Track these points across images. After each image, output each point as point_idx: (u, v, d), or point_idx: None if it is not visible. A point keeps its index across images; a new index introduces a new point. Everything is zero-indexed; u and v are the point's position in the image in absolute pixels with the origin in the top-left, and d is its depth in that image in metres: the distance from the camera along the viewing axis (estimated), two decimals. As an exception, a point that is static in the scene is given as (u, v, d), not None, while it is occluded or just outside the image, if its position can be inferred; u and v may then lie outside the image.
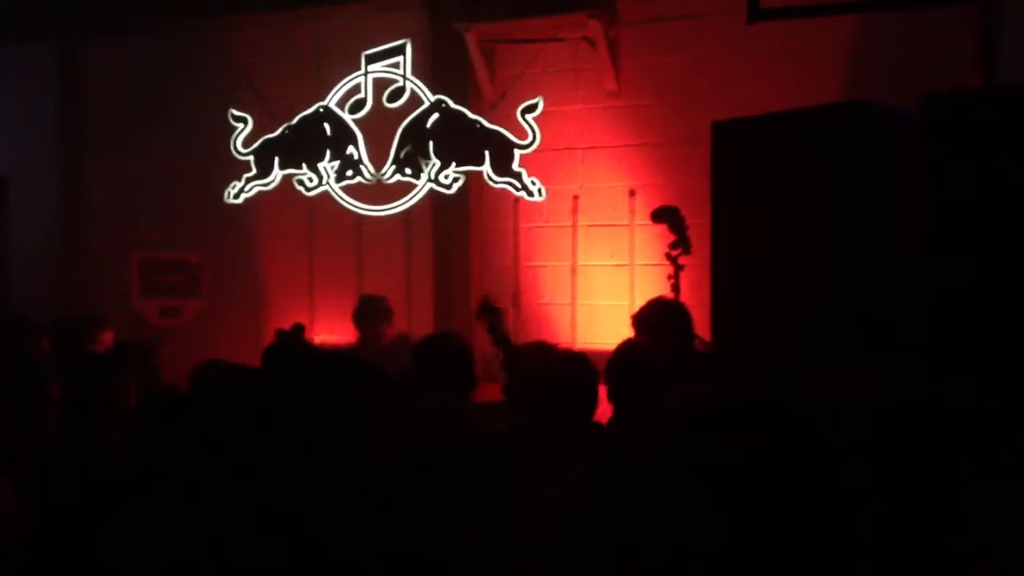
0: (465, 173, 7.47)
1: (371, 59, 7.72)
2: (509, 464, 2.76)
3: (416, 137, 7.51)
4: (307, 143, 7.81)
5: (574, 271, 7.48)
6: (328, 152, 7.76)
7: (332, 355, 4.07)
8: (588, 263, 7.45)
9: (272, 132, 7.92)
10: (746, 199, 5.20)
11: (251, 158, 7.97)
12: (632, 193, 7.27)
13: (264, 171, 7.93)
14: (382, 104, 7.65)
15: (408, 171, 7.53)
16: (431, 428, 2.65)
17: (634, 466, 2.07)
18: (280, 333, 4.91)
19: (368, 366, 2.94)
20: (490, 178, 7.36)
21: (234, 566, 2.47)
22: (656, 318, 5.02)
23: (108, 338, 5.81)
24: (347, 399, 2.79)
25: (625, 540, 2.04)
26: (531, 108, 7.24)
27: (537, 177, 7.27)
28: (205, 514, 2.57)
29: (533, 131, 7.23)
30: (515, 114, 7.27)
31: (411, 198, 7.63)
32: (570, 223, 7.48)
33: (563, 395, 3.44)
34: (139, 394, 4.04)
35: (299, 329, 4.91)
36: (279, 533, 2.48)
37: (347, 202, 7.82)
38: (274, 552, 2.46)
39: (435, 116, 7.50)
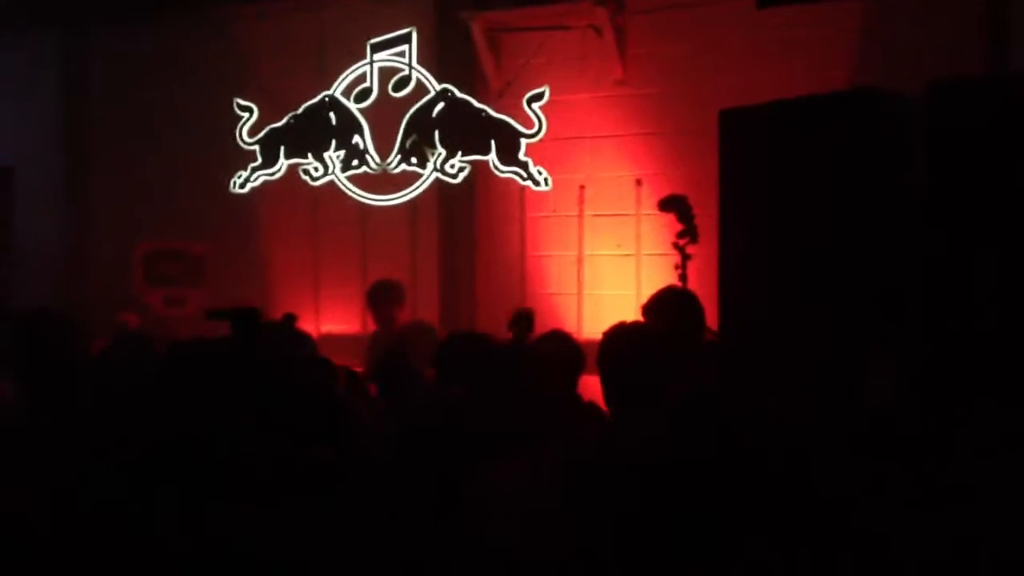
0: (471, 162, 7.45)
1: (376, 48, 7.70)
2: (485, 456, 2.72)
3: (422, 126, 7.49)
4: (313, 132, 7.80)
5: (580, 261, 7.45)
6: (334, 141, 7.75)
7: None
8: (594, 253, 7.42)
9: (277, 122, 7.91)
10: (754, 188, 5.17)
11: (256, 148, 7.96)
12: (639, 182, 7.24)
13: (270, 161, 7.92)
14: (387, 93, 7.64)
15: (414, 160, 7.51)
16: (417, 421, 2.65)
17: (615, 463, 2.04)
18: (270, 323, 4.86)
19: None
20: (496, 167, 7.34)
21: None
22: (667, 307, 4.98)
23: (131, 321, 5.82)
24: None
25: (597, 535, 2.03)
26: (537, 97, 7.22)
27: (543, 166, 7.26)
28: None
29: (539, 120, 7.21)
30: (521, 103, 7.25)
31: (417, 188, 7.62)
32: (576, 213, 7.45)
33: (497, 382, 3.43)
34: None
35: (290, 319, 4.87)
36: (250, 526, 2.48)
37: (352, 192, 7.80)
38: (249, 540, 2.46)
39: (441, 105, 7.48)
